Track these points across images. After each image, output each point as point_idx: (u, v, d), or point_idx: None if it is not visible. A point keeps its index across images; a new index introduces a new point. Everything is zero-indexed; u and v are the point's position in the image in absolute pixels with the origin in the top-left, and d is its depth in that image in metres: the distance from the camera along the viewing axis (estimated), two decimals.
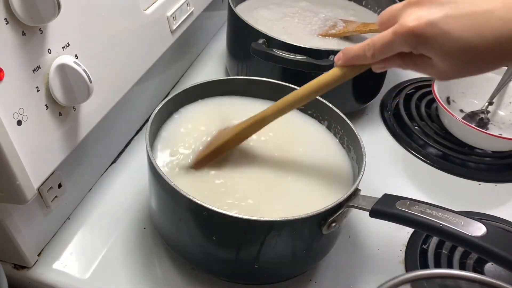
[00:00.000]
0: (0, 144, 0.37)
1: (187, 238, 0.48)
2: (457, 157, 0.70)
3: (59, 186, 0.51)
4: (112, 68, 0.51)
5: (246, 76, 0.61)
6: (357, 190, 0.46)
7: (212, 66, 0.84)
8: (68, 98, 0.42)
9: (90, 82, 0.42)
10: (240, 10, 0.75)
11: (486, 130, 0.72)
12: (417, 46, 0.37)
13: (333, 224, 0.45)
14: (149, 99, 0.69)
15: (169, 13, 0.62)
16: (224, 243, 0.46)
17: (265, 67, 0.66)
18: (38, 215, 0.50)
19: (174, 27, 0.64)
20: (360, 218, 0.59)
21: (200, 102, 0.58)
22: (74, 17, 0.43)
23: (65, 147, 0.45)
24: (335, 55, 0.62)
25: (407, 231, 0.58)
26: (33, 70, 0.39)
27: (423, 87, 0.82)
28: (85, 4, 0.45)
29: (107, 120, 0.52)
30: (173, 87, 0.78)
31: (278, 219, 0.42)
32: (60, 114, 0.43)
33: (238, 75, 0.74)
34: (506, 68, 0.76)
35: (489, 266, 0.54)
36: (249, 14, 0.76)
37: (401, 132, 0.74)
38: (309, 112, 0.59)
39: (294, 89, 0.57)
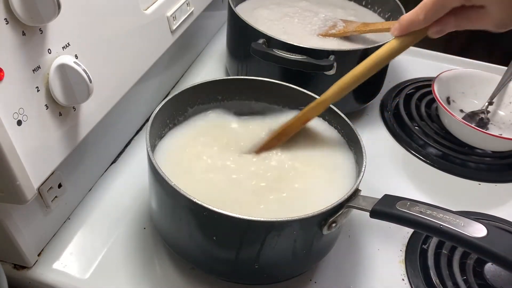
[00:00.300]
0: (0, 144, 0.37)
1: (187, 238, 0.48)
2: (457, 157, 0.70)
3: (59, 186, 0.51)
4: (112, 68, 0.51)
5: (246, 76, 0.61)
6: (357, 191, 0.46)
7: (212, 66, 0.84)
8: (68, 98, 0.42)
9: (90, 82, 0.42)
10: (240, 10, 0.75)
11: (486, 130, 0.72)
12: None
13: (333, 225, 0.45)
14: (149, 99, 0.69)
15: (169, 13, 0.62)
16: (224, 243, 0.46)
17: (265, 67, 0.66)
18: (38, 215, 0.50)
19: (174, 27, 0.64)
20: (360, 218, 0.59)
21: (204, 114, 0.59)
22: (74, 17, 0.43)
23: (65, 147, 0.45)
24: (335, 55, 0.63)
25: (407, 231, 0.58)
26: (33, 70, 0.39)
27: (423, 87, 0.82)
28: (85, 4, 0.45)
29: (107, 120, 0.52)
30: (173, 87, 0.78)
31: (278, 219, 0.42)
32: (60, 114, 0.43)
33: (238, 75, 0.74)
34: (506, 68, 0.76)
35: (489, 266, 0.54)
36: (249, 14, 0.76)
37: (401, 132, 0.74)
38: None
39: (294, 89, 0.58)
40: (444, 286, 0.52)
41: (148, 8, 0.58)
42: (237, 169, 0.52)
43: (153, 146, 0.51)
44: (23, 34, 0.38)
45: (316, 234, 0.46)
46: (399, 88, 0.82)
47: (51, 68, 0.41)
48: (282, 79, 0.58)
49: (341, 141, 0.56)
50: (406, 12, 0.73)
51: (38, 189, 0.43)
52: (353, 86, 0.49)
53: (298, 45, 0.63)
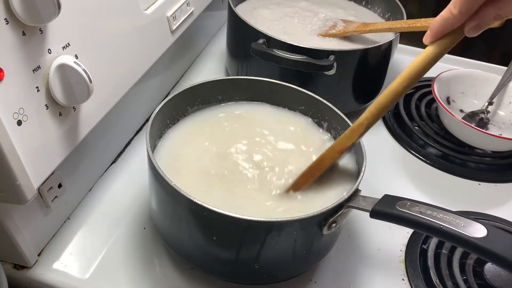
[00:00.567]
0: (0, 144, 0.37)
1: (187, 238, 0.48)
2: (457, 157, 0.70)
3: (59, 186, 0.51)
4: (112, 68, 0.51)
5: (246, 76, 0.61)
6: (357, 191, 0.46)
7: (212, 66, 0.84)
8: (68, 98, 0.42)
9: (90, 82, 0.42)
10: (240, 10, 0.75)
11: (486, 130, 0.72)
12: None
13: (333, 225, 0.45)
14: (149, 99, 0.69)
15: (169, 13, 0.62)
16: (224, 243, 0.46)
17: (265, 67, 0.66)
18: (38, 215, 0.50)
19: (174, 27, 0.64)
20: (360, 218, 0.59)
21: (204, 111, 0.59)
22: (74, 17, 0.43)
23: (65, 147, 0.45)
24: (335, 55, 0.63)
25: (407, 231, 0.58)
26: (33, 70, 0.39)
27: (423, 87, 0.82)
28: (85, 4, 0.45)
29: (107, 120, 0.52)
30: (173, 87, 0.78)
31: (279, 219, 0.42)
32: (60, 114, 0.43)
33: (238, 75, 0.74)
34: (506, 68, 0.76)
35: (489, 266, 0.54)
36: (249, 14, 0.76)
37: (401, 132, 0.74)
38: (310, 113, 0.59)
39: (294, 89, 0.58)
40: (444, 286, 0.52)
41: (148, 8, 0.58)
42: (236, 169, 0.52)
43: (153, 146, 0.51)
44: (23, 34, 0.38)
45: (316, 234, 0.46)
46: None
47: (51, 68, 0.41)
48: (282, 79, 0.58)
49: None
50: (406, 12, 0.74)
51: (38, 189, 0.43)
52: (390, 104, 0.44)
53: (298, 45, 0.63)
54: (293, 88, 0.58)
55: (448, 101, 0.76)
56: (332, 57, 0.63)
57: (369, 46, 0.66)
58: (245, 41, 0.67)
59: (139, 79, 0.57)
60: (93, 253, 0.53)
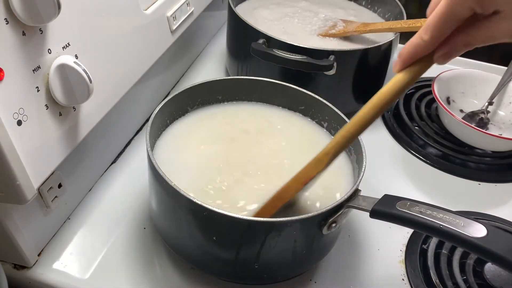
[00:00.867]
0: (0, 144, 0.37)
1: (187, 238, 0.48)
2: (457, 157, 0.70)
3: (59, 186, 0.51)
4: (112, 68, 0.51)
5: (246, 76, 0.61)
6: (357, 191, 0.46)
7: (212, 66, 0.84)
8: (68, 98, 0.42)
9: (90, 82, 0.42)
10: (240, 10, 0.75)
11: (486, 130, 0.72)
12: None
13: (333, 225, 0.45)
14: (149, 99, 0.69)
15: (169, 13, 0.62)
16: (224, 243, 0.46)
17: (265, 67, 0.66)
18: (38, 215, 0.50)
19: (174, 27, 0.64)
20: (360, 218, 0.59)
21: (203, 108, 0.58)
22: (74, 17, 0.43)
23: (65, 147, 0.45)
24: (335, 55, 0.63)
25: (407, 231, 0.58)
26: (33, 70, 0.39)
27: (423, 87, 0.82)
28: (85, 4, 0.45)
29: (107, 120, 0.52)
30: (173, 87, 0.78)
31: (278, 219, 0.42)
32: (60, 114, 0.43)
33: (238, 75, 0.74)
34: (506, 68, 0.76)
35: (489, 266, 0.54)
36: (249, 14, 0.76)
37: (401, 132, 0.74)
38: (310, 113, 0.59)
39: (294, 89, 0.58)
40: (444, 286, 0.52)
41: (148, 8, 0.58)
42: (236, 170, 0.52)
43: (153, 146, 0.51)
44: (23, 34, 0.38)
45: (316, 234, 0.46)
46: None
47: (51, 68, 0.41)
48: (282, 79, 0.58)
49: None
50: (406, 12, 0.74)
51: (38, 189, 0.43)
52: (358, 133, 0.42)
53: (298, 45, 0.63)
54: (293, 88, 0.58)
55: (448, 101, 0.76)
56: (332, 57, 0.63)
57: (369, 46, 0.66)
58: (245, 41, 0.67)
59: (139, 79, 0.57)
60: (93, 253, 0.53)
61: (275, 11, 0.78)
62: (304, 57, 0.62)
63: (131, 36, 0.54)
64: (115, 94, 0.52)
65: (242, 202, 0.48)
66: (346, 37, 0.74)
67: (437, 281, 0.52)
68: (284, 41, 0.64)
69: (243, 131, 0.57)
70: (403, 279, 0.54)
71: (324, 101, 0.56)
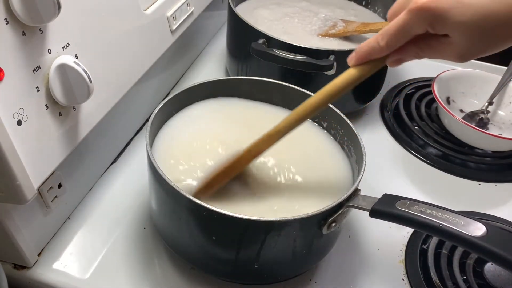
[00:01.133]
0: (0, 144, 0.37)
1: (187, 238, 0.48)
2: (457, 157, 0.70)
3: (59, 186, 0.51)
4: (112, 68, 0.51)
5: (246, 76, 0.61)
6: (357, 190, 0.46)
7: (212, 66, 0.84)
8: (68, 98, 0.42)
9: (90, 82, 0.42)
10: (240, 10, 0.75)
11: (486, 130, 0.72)
12: (433, 21, 0.36)
13: (333, 224, 0.45)
14: (149, 99, 0.69)
15: (169, 13, 0.62)
16: (224, 243, 0.46)
17: (265, 67, 0.66)
18: (38, 215, 0.50)
19: (174, 27, 0.64)
20: (360, 218, 0.59)
21: (202, 102, 0.58)
22: (74, 17, 0.43)
23: (65, 147, 0.45)
24: (335, 55, 0.63)
25: (407, 231, 0.58)
26: (33, 70, 0.39)
27: (423, 87, 0.82)
28: (85, 4, 0.45)
29: (107, 120, 0.52)
30: (173, 87, 0.78)
31: (278, 219, 0.42)
32: (60, 114, 0.43)
33: (238, 75, 0.74)
34: (506, 68, 0.76)
35: (489, 266, 0.54)
36: (249, 14, 0.76)
37: (401, 132, 0.74)
38: None
39: (294, 89, 0.58)
40: (444, 286, 0.52)
41: (148, 8, 0.58)
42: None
43: (153, 146, 0.51)
44: (23, 34, 0.38)
45: (316, 234, 0.46)
46: (399, 88, 0.83)
47: (51, 68, 0.41)
48: (282, 79, 0.59)
49: (341, 141, 0.56)
50: None
51: (38, 189, 0.43)
52: (307, 116, 0.46)
53: (298, 45, 0.63)
54: (293, 88, 0.58)
55: (448, 101, 0.76)
56: (332, 57, 0.63)
57: None
58: (245, 41, 0.67)
59: (139, 79, 0.57)
60: (93, 253, 0.53)
61: (275, 11, 0.78)
62: (304, 57, 0.62)
63: (131, 36, 0.54)
64: (115, 94, 0.52)
65: (242, 201, 0.48)
66: (346, 37, 0.74)
67: (437, 281, 0.52)
68: (284, 41, 0.64)
69: (242, 130, 0.57)
70: (403, 279, 0.54)
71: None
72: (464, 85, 0.77)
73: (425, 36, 0.38)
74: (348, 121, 0.54)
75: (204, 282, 0.51)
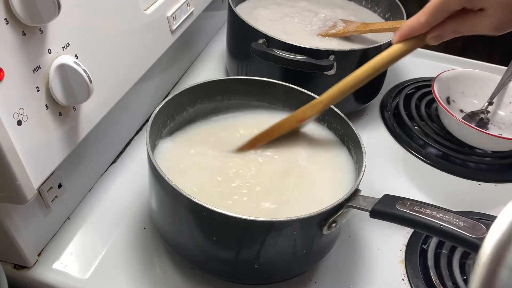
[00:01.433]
0: (0, 144, 0.37)
1: (187, 238, 0.48)
2: (457, 157, 0.70)
3: (59, 186, 0.51)
4: (112, 68, 0.51)
5: (246, 76, 0.61)
6: (357, 191, 0.46)
7: (212, 66, 0.84)
8: (68, 98, 0.42)
9: (90, 82, 0.42)
10: (240, 10, 0.75)
11: (486, 130, 0.72)
12: None
13: (333, 225, 0.45)
14: (149, 99, 0.69)
15: (169, 13, 0.62)
16: (224, 243, 0.46)
17: (265, 67, 0.66)
18: (38, 215, 0.50)
19: (174, 27, 0.64)
20: (360, 218, 0.59)
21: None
22: (74, 17, 0.43)
23: (65, 147, 0.45)
24: (335, 55, 0.63)
25: (407, 231, 0.58)
26: (33, 70, 0.39)
27: (423, 87, 0.82)
28: (85, 4, 0.45)
29: (107, 120, 0.52)
30: (173, 87, 0.78)
31: (278, 219, 0.42)
32: (60, 114, 0.43)
33: (238, 75, 0.74)
34: (506, 68, 0.76)
35: None
36: (249, 14, 0.76)
37: (401, 132, 0.74)
38: None
39: (294, 89, 0.58)
40: (444, 286, 0.52)
41: (148, 8, 0.58)
42: (236, 171, 0.52)
43: (153, 146, 0.51)
44: (23, 34, 0.38)
45: (316, 234, 0.46)
46: (399, 88, 0.83)
47: (51, 68, 0.41)
48: (282, 79, 0.58)
49: (341, 141, 0.56)
50: (406, 12, 0.74)
51: (38, 189, 0.43)
52: (351, 89, 0.50)
53: (298, 45, 0.63)
54: (293, 88, 0.58)
55: (448, 101, 0.76)
56: (332, 57, 0.63)
57: (369, 46, 0.66)
58: (245, 41, 0.67)
59: (139, 79, 0.57)
60: (93, 253, 0.53)
61: (275, 11, 0.78)
62: (304, 57, 0.62)
63: (131, 36, 0.54)
64: (115, 94, 0.52)
65: (242, 202, 0.48)
66: (346, 37, 0.74)
67: (437, 281, 0.52)
68: (284, 41, 0.64)
69: (242, 130, 0.57)
70: (403, 279, 0.54)
71: None
72: (464, 85, 0.77)
73: (462, 12, 0.41)
74: (348, 121, 0.54)
75: (204, 282, 0.51)
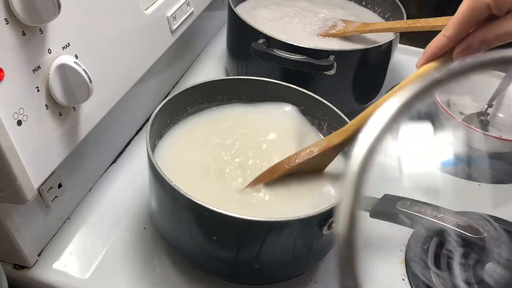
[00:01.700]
0: (0, 144, 0.37)
1: (187, 238, 0.48)
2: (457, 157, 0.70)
3: (59, 186, 0.51)
4: (112, 68, 0.51)
5: (246, 76, 0.61)
6: None
7: (212, 66, 0.84)
8: (68, 98, 0.42)
9: (90, 82, 0.42)
10: (240, 10, 0.75)
11: (486, 132, 0.72)
12: None
13: (334, 225, 0.45)
14: (149, 99, 0.69)
15: (169, 13, 0.62)
16: (224, 243, 0.46)
17: (265, 67, 0.66)
18: (38, 215, 0.50)
19: (174, 27, 0.64)
20: (360, 218, 0.59)
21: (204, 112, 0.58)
22: (74, 17, 0.43)
23: (65, 147, 0.45)
24: (335, 55, 0.63)
25: (407, 231, 0.58)
26: (33, 70, 0.39)
27: None
28: (85, 4, 0.45)
29: (107, 120, 0.52)
30: (173, 87, 0.78)
31: (278, 219, 0.42)
32: (60, 114, 0.43)
33: (238, 75, 0.74)
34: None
35: (489, 266, 0.54)
36: (249, 14, 0.76)
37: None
38: (309, 112, 0.59)
39: (294, 89, 0.58)
40: (445, 286, 0.52)
41: (148, 8, 0.58)
42: (236, 172, 0.52)
43: (153, 146, 0.51)
44: (23, 34, 0.38)
45: (316, 234, 0.46)
46: None
47: (51, 68, 0.41)
48: (282, 79, 0.58)
49: None
50: (406, 12, 0.74)
51: (38, 189, 0.43)
52: None
53: (298, 45, 0.63)
54: (293, 88, 0.58)
55: (448, 103, 0.76)
56: (332, 57, 0.63)
57: (369, 46, 0.66)
58: (245, 41, 0.67)
59: (139, 79, 0.57)
60: (93, 253, 0.53)
61: (275, 11, 0.78)
62: (304, 57, 0.62)
63: (131, 36, 0.54)
64: (115, 94, 0.52)
65: (240, 201, 0.48)
66: (346, 37, 0.74)
67: (437, 281, 0.52)
68: (284, 41, 0.64)
69: (242, 131, 0.57)
70: (403, 279, 0.54)
71: (324, 101, 0.56)
72: (464, 88, 0.77)
73: (489, 20, 0.38)
74: (348, 121, 0.54)
75: (204, 282, 0.51)
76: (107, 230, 0.55)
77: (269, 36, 0.65)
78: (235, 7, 0.71)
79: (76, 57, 0.43)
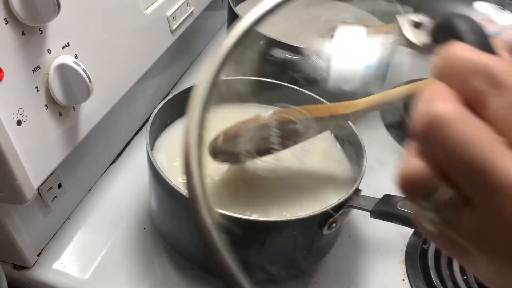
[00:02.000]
0: (0, 144, 0.37)
1: (187, 238, 0.48)
2: None
3: (59, 186, 0.51)
4: (112, 68, 0.51)
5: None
6: (357, 191, 0.46)
7: None
8: (68, 98, 0.42)
9: (90, 82, 0.42)
10: (240, 10, 0.75)
11: None
12: None
13: (334, 225, 0.45)
14: (149, 99, 0.69)
15: (169, 13, 0.62)
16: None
17: (265, 67, 0.66)
18: (38, 215, 0.50)
19: (174, 27, 0.64)
20: (360, 218, 0.59)
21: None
22: (74, 17, 0.43)
23: (65, 147, 0.45)
24: None
25: (407, 231, 0.58)
26: (33, 70, 0.39)
27: None
28: (85, 4, 0.45)
29: (107, 120, 0.52)
30: (173, 87, 0.78)
31: (279, 219, 0.42)
32: (60, 114, 0.43)
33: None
34: None
35: None
36: None
37: (401, 131, 0.74)
38: None
39: (294, 89, 0.58)
40: (444, 286, 0.52)
41: (148, 8, 0.58)
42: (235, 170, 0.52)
43: (153, 146, 0.51)
44: (23, 34, 0.38)
45: (317, 234, 0.46)
46: None
47: (51, 68, 0.41)
48: (283, 79, 0.58)
49: (341, 141, 0.56)
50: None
51: (38, 189, 0.43)
52: (394, 100, 0.48)
53: (298, 45, 0.63)
54: (293, 88, 0.58)
55: None
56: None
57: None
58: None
59: (139, 79, 0.57)
60: (93, 253, 0.53)
61: (275, 11, 0.78)
62: (304, 57, 0.62)
63: (131, 36, 0.54)
64: (115, 94, 0.52)
65: (240, 201, 0.48)
66: None
67: (437, 281, 0.52)
68: (284, 41, 0.63)
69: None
70: (403, 279, 0.54)
71: (324, 101, 0.56)
72: None
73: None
74: (348, 121, 0.54)
75: (204, 282, 0.51)
76: (107, 230, 0.55)
77: (269, 37, 0.64)
78: (235, 7, 0.71)
79: (76, 57, 0.43)
